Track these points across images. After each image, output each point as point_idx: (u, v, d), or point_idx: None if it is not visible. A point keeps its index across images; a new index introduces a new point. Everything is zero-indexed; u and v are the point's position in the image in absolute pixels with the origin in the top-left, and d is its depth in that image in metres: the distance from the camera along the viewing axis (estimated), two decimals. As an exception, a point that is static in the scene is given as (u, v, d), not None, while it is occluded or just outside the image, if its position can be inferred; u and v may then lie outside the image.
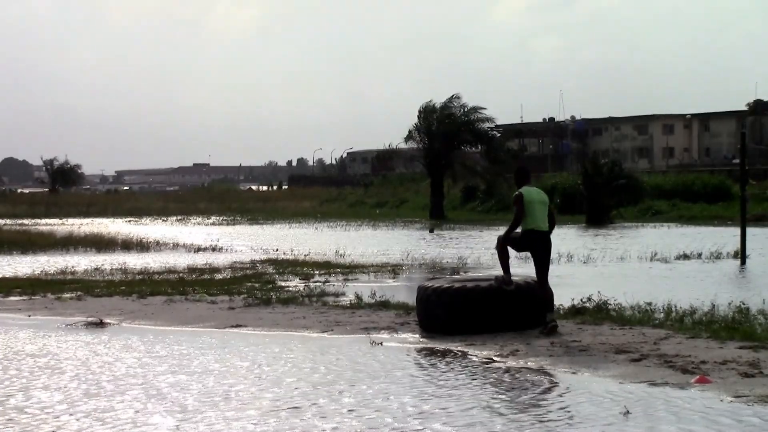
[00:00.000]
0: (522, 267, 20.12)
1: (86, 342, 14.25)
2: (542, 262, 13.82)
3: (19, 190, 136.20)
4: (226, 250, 34.32)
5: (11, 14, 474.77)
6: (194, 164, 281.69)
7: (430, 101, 65.99)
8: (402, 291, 19.20)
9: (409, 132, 65.61)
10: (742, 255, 25.26)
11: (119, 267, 26.57)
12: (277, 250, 33.24)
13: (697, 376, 10.44)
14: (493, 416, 9.05)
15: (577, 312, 15.11)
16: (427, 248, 33.87)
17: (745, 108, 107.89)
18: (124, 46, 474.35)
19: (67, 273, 25.15)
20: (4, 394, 10.40)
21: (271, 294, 19.11)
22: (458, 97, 65.87)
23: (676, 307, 15.16)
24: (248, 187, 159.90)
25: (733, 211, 46.07)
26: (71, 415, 9.39)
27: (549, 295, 13.70)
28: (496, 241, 14.26)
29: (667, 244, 31.76)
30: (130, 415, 9.35)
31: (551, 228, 13.99)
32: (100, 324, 16.09)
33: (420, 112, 65.85)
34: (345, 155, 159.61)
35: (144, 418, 9.23)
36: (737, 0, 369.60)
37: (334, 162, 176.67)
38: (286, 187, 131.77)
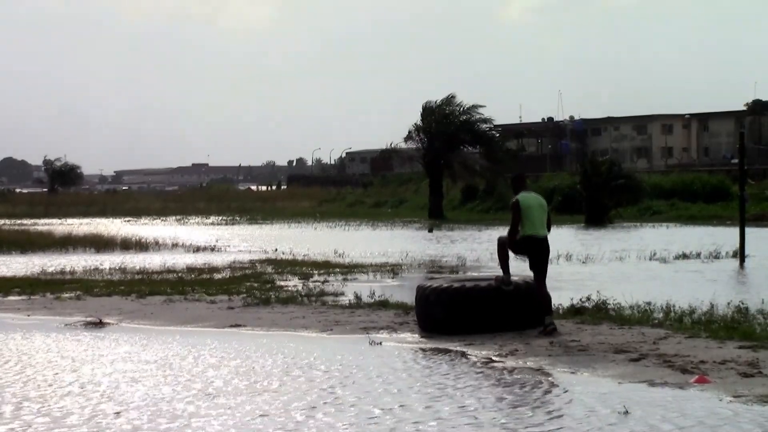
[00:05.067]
0: (523, 269, 20.11)
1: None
2: (540, 268, 13.85)
3: (18, 190, 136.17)
4: (225, 250, 34.33)
5: (16, 13, 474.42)
6: (193, 164, 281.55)
7: (429, 101, 66.15)
8: (401, 291, 19.20)
9: (409, 132, 65.74)
10: (741, 255, 25.26)
11: (118, 267, 26.57)
12: (276, 250, 33.25)
13: (696, 376, 10.44)
14: (492, 417, 9.05)
15: (576, 312, 15.11)
16: (426, 248, 33.87)
17: (744, 108, 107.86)
18: (127, 46, 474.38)
19: (66, 273, 25.14)
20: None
21: (270, 294, 19.11)
22: (454, 96, 66.12)
23: (675, 306, 15.16)
24: (247, 187, 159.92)
25: (732, 211, 46.06)
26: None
27: (547, 298, 13.71)
28: (496, 243, 14.28)
29: (666, 244, 31.77)
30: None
31: (547, 230, 14.04)
32: (100, 324, 16.09)
33: (423, 110, 65.98)
34: (344, 155, 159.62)
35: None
36: (737, 0, 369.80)
37: (333, 162, 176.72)
38: (285, 187, 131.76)
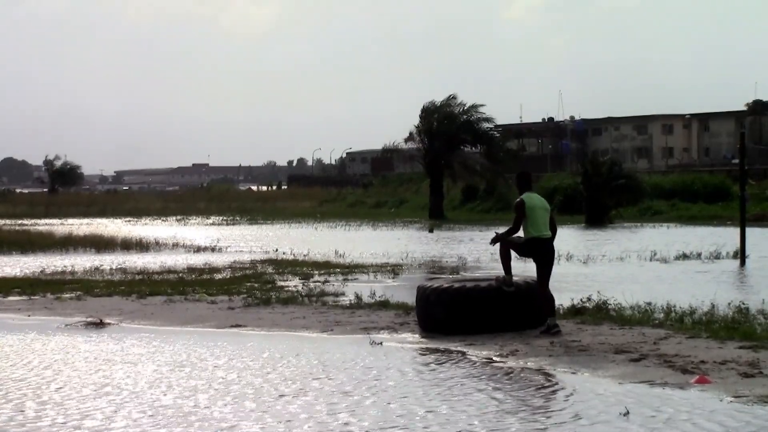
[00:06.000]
0: (524, 269, 20.12)
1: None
2: (544, 269, 13.80)
3: (18, 191, 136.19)
4: (226, 250, 34.32)
5: (16, 13, 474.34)
6: (194, 164, 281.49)
7: (430, 101, 66.22)
8: (401, 291, 19.19)
9: (410, 133, 65.72)
10: (741, 255, 25.25)
11: (119, 267, 26.57)
12: (276, 250, 33.24)
13: (697, 376, 10.44)
14: (492, 417, 9.05)
15: (576, 312, 15.11)
16: (427, 248, 33.87)
17: (745, 108, 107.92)
18: (128, 45, 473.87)
19: (67, 273, 25.15)
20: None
21: (271, 294, 19.11)
22: (455, 97, 66.20)
23: (675, 307, 15.15)
24: (248, 187, 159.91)
25: (732, 211, 46.08)
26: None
27: (550, 299, 13.69)
28: (495, 237, 14.19)
29: (667, 244, 31.76)
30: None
31: (553, 234, 13.99)
32: (100, 324, 16.10)
33: (422, 111, 66.00)
34: (344, 155, 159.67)
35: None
36: (737, 0, 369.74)
37: (333, 162, 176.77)
38: (286, 187, 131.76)
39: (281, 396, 10.08)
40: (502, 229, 14.30)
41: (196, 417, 9.23)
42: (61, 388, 10.72)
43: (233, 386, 10.62)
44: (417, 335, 14.10)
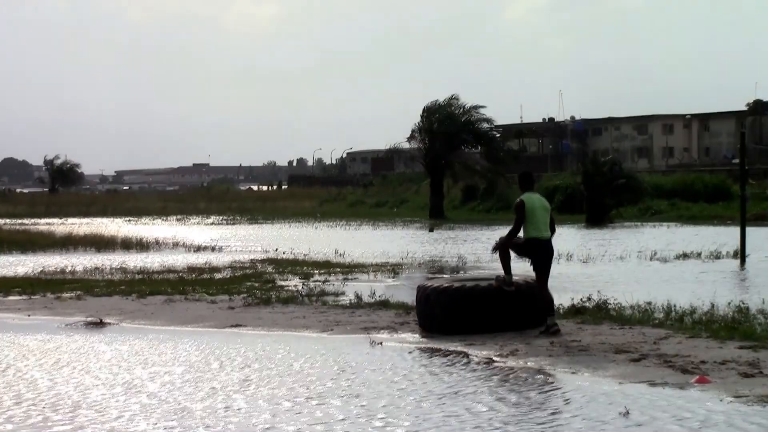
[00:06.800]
0: (525, 269, 20.09)
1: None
2: (543, 269, 13.79)
3: (19, 190, 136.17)
4: (226, 249, 34.33)
5: (17, 13, 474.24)
6: (194, 164, 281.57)
7: (432, 102, 66.23)
8: (401, 291, 19.18)
9: (413, 132, 65.74)
10: (741, 255, 25.24)
11: (119, 267, 26.57)
12: (276, 249, 33.25)
13: (697, 376, 10.43)
14: (492, 417, 9.04)
15: (576, 312, 15.10)
16: (427, 248, 33.86)
17: (745, 108, 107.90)
18: (128, 45, 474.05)
19: (67, 273, 25.15)
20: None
21: (271, 293, 19.11)
22: (456, 98, 66.25)
23: (675, 306, 15.15)
24: (248, 187, 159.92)
25: (732, 211, 46.07)
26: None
27: (549, 299, 13.68)
28: (495, 244, 14.22)
29: (667, 244, 31.76)
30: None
31: (552, 234, 13.98)
32: (100, 324, 16.10)
33: (423, 111, 66.01)
34: (345, 155, 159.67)
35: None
36: (737, 0, 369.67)
37: (333, 162, 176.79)
38: (286, 187, 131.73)
39: (272, 399, 10.08)
40: (503, 232, 14.29)
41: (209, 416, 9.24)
42: (61, 390, 10.72)
43: (227, 387, 10.63)
44: (417, 335, 14.09)
